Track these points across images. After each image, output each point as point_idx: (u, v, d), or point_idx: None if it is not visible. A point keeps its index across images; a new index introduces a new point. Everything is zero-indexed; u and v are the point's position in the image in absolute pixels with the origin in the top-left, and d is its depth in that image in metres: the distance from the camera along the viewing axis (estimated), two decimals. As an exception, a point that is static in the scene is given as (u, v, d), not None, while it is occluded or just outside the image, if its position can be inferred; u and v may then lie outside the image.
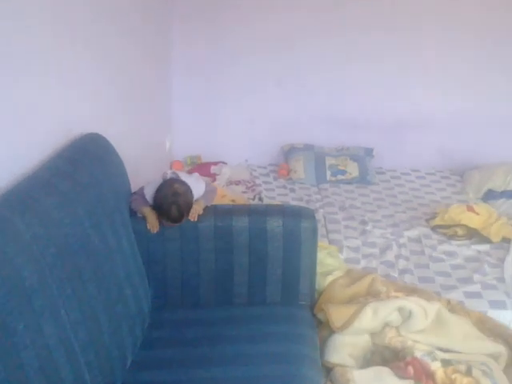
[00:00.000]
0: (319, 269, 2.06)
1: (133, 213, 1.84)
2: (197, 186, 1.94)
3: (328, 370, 1.83)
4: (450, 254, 2.58)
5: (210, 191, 1.99)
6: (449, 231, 2.74)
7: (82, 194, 1.52)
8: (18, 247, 1.20)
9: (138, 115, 2.68)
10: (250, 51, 3.44)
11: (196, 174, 2.11)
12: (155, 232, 1.81)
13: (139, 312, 1.73)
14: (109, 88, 2.20)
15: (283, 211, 1.93)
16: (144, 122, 2.82)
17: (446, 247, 2.64)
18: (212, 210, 1.91)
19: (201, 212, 1.86)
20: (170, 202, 1.77)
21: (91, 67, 1.99)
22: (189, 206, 1.82)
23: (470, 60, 3.43)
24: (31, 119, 1.54)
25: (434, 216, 2.87)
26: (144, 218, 1.82)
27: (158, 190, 1.82)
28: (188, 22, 3.38)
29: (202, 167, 3.44)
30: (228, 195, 2.82)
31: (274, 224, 1.86)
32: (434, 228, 2.79)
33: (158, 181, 1.88)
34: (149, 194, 1.85)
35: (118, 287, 1.62)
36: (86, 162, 1.64)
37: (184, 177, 1.93)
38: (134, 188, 1.92)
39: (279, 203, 2.86)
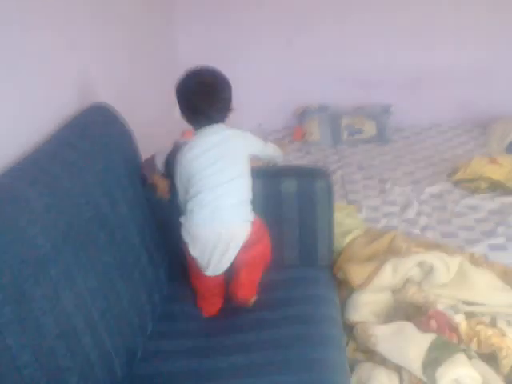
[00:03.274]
0: (338, 229, 2.03)
1: (144, 181, 1.82)
2: None
3: (350, 328, 1.81)
4: (474, 208, 2.53)
5: None
6: (472, 185, 2.67)
7: (90, 163, 1.51)
8: (31, 217, 1.20)
9: (146, 83, 2.68)
10: (259, 10, 3.37)
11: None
12: (166, 198, 1.79)
13: (157, 280, 1.73)
14: (115, 58, 2.19)
15: (296, 172, 1.89)
16: (152, 89, 2.79)
17: (468, 201, 2.59)
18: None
19: None
20: None
21: (98, 37, 1.98)
22: None
23: (489, 7, 3.28)
24: (34, 94, 1.55)
25: (456, 171, 2.80)
26: (154, 186, 1.81)
27: None
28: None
29: (214, 134, 3.40)
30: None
31: (288, 186, 1.82)
32: (457, 183, 2.73)
33: (169, 149, 1.86)
34: (160, 161, 1.83)
35: (134, 255, 1.62)
36: (92, 132, 1.62)
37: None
38: (145, 157, 1.91)
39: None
